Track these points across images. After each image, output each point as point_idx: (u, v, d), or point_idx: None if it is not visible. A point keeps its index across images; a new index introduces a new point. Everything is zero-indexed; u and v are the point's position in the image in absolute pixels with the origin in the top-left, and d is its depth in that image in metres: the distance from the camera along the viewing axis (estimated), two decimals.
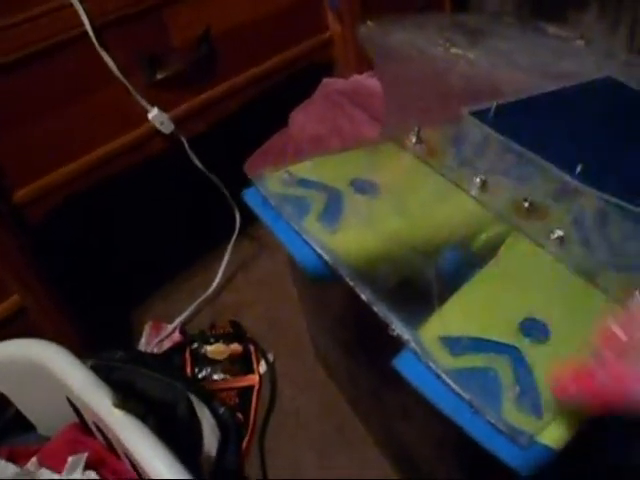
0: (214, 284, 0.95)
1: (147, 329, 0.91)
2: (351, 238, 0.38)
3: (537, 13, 1.27)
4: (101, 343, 0.80)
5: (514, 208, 0.40)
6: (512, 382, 0.30)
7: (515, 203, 0.40)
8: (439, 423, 0.47)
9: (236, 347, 0.87)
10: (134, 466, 0.54)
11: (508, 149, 0.44)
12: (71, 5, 0.64)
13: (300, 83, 0.87)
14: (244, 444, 0.77)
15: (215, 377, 0.83)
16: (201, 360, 0.85)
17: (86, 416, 0.58)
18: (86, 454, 0.58)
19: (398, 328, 0.32)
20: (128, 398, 0.54)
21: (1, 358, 0.59)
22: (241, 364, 0.85)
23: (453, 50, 0.67)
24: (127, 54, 0.70)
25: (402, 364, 0.31)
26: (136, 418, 0.52)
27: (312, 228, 0.38)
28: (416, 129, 0.45)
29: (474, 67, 0.63)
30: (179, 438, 0.54)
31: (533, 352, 0.31)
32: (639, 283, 0.33)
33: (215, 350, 0.86)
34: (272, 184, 0.42)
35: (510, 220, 0.39)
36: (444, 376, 0.30)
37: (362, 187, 0.42)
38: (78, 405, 0.58)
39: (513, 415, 0.29)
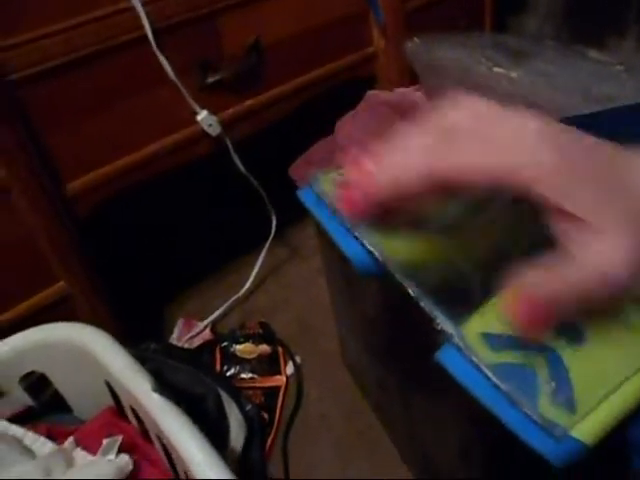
0: (246, 286, 0.97)
1: (179, 325, 0.93)
2: (399, 236, 0.39)
3: (576, 37, 1.28)
4: (135, 335, 0.82)
5: None
6: (548, 378, 0.31)
7: None
8: (465, 430, 0.49)
9: (265, 348, 0.89)
10: (167, 452, 0.56)
11: None
12: (133, 8, 0.68)
13: (342, 96, 0.90)
14: (268, 443, 0.79)
15: (243, 376, 0.85)
16: (230, 358, 0.87)
17: (124, 401, 0.60)
18: (121, 437, 0.60)
19: (443, 323, 0.34)
20: (164, 386, 0.56)
21: (45, 340, 0.62)
22: (269, 365, 0.87)
23: (495, 69, 0.69)
24: (182, 58, 0.73)
25: (445, 357, 0.33)
26: (174, 404, 0.54)
27: (366, 229, 0.40)
28: None
29: (516, 86, 0.65)
30: (207, 431, 0.56)
31: (569, 353, 0.33)
32: None
33: (244, 349, 0.88)
34: (326, 184, 0.44)
35: None
36: (484, 369, 0.32)
37: None
38: (117, 389, 0.60)
39: (548, 409, 0.30)
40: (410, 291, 0.36)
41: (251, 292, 0.99)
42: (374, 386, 0.76)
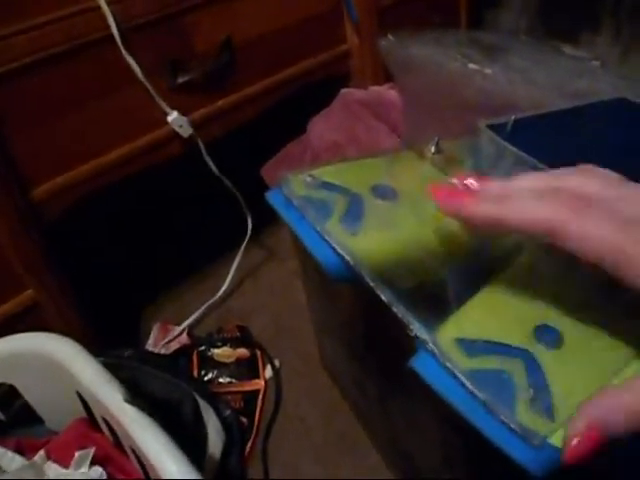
0: (222, 289, 0.96)
1: (155, 330, 0.91)
2: (371, 241, 0.39)
3: (551, 33, 1.29)
4: (109, 342, 0.80)
5: None
6: (525, 384, 0.31)
7: None
8: (445, 432, 0.48)
9: (243, 351, 0.87)
10: (141, 464, 0.54)
11: (522, 162, 0.45)
12: (99, 8, 0.66)
13: (316, 94, 0.89)
14: (247, 448, 0.77)
15: (221, 380, 0.84)
16: (208, 363, 0.85)
17: (95, 411, 0.58)
18: (93, 449, 0.58)
19: (416, 329, 0.33)
20: (137, 396, 0.54)
21: (13, 351, 0.60)
22: (247, 368, 0.85)
23: (470, 65, 0.68)
24: (150, 58, 0.72)
25: (419, 364, 0.32)
26: (147, 415, 0.52)
27: (334, 230, 0.39)
28: (435, 140, 0.46)
29: (490, 82, 0.64)
30: (184, 438, 0.55)
31: (546, 357, 0.32)
32: None
33: (222, 353, 0.87)
34: (296, 186, 0.43)
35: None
36: (460, 376, 0.31)
37: (382, 193, 0.43)
38: (88, 400, 0.58)
39: (526, 416, 0.29)
40: (382, 296, 0.35)
41: (228, 295, 0.98)
42: (353, 389, 0.75)
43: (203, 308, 0.94)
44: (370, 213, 0.41)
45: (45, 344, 0.58)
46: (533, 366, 0.31)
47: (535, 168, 0.47)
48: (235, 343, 0.88)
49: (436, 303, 0.34)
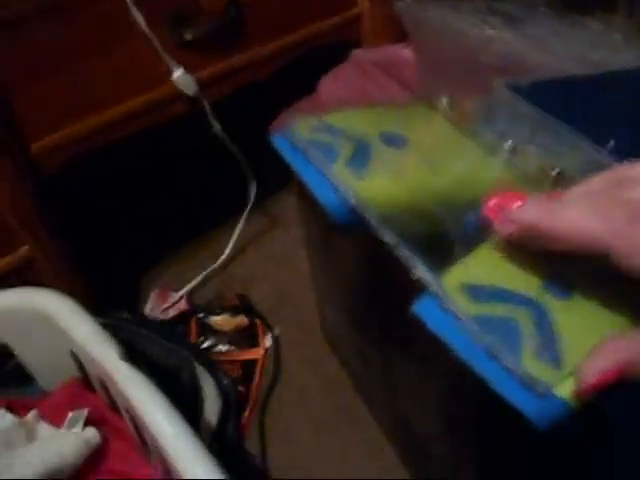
0: (224, 256, 0.94)
1: (153, 296, 0.90)
2: (378, 185, 0.37)
3: (570, 8, 1.25)
4: (107, 305, 0.79)
5: (542, 175, 0.39)
6: (533, 333, 0.29)
7: (544, 171, 0.39)
8: (446, 395, 0.46)
9: (242, 319, 0.86)
10: (136, 426, 0.53)
11: (540, 120, 0.43)
12: None
13: (328, 58, 0.86)
14: (244, 417, 0.76)
15: (220, 348, 0.82)
16: (206, 330, 0.84)
17: (90, 370, 0.57)
18: (87, 410, 0.57)
19: (420, 272, 0.31)
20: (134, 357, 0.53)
21: (4, 307, 0.58)
22: (246, 337, 0.84)
23: (489, 31, 0.66)
24: (156, 10, 0.69)
25: (421, 309, 0.30)
26: (142, 374, 0.51)
27: (340, 174, 0.37)
28: (448, 94, 0.44)
29: (507, 48, 0.61)
30: (181, 404, 0.53)
31: (556, 308, 0.30)
32: None
33: (221, 321, 0.85)
34: (302, 130, 0.42)
35: (537, 187, 0.38)
36: (464, 320, 0.29)
37: (391, 140, 0.41)
38: (82, 359, 0.57)
39: (532, 364, 0.28)
40: (386, 238, 0.33)
41: (229, 262, 0.96)
42: (354, 358, 0.74)
43: (203, 274, 0.93)
44: (378, 158, 0.39)
45: (37, 300, 0.56)
46: (542, 315, 0.30)
47: (553, 127, 0.45)
48: (234, 311, 0.87)
49: (442, 252, 0.32)
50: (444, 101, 0.44)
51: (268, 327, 0.86)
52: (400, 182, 0.37)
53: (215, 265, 0.94)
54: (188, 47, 0.73)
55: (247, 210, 0.92)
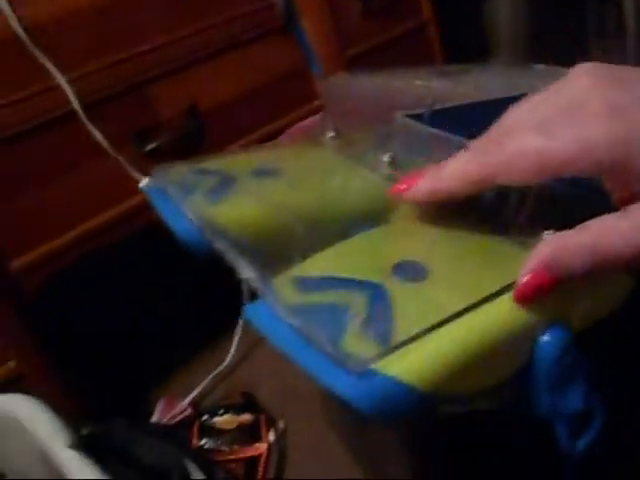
0: (229, 357, 0.94)
1: (160, 406, 0.89)
2: (229, 207, 0.37)
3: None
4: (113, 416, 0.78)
5: None
6: (363, 315, 0.27)
7: None
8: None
9: (246, 417, 0.83)
10: None
11: (421, 131, 0.43)
12: (60, 86, 0.71)
13: None
14: None
15: (223, 448, 0.80)
16: (208, 431, 0.82)
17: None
18: None
19: (246, 272, 0.30)
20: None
21: None
22: (250, 433, 0.81)
23: (417, 82, 0.68)
24: (116, 129, 0.75)
25: (251, 312, 0.29)
26: (89, 460, 0.50)
27: (193, 202, 0.37)
28: (333, 127, 0.45)
29: (430, 91, 0.63)
30: None
31: (399, 289, 0.28)
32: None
33: (224, 421, 0.83)
34: (172, 175, 0.43)
35: None
36: (282, 310, 0.27)
37: (262, 172, 0.41)
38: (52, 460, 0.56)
39: (353, 342, 0.25)
40: (217, 245, 0.33)
41: (235, 363, 0.95)
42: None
43: (208, 379, 0.92)
44: (240, 187, 0.39)
45: (6, 405, 0.58)
46: (379, 297, 0.28)
47: (454, 145, 0.45)
48: (239, 410, 0.85)
49: (288, 259, 0.32)
50: (328, 134, 0.45)
51: (272, 421, 0.83)
52: (260, 203, 0.37)
53: (221, 367, 0.93)
54: (152, 156, 0.78)
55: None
